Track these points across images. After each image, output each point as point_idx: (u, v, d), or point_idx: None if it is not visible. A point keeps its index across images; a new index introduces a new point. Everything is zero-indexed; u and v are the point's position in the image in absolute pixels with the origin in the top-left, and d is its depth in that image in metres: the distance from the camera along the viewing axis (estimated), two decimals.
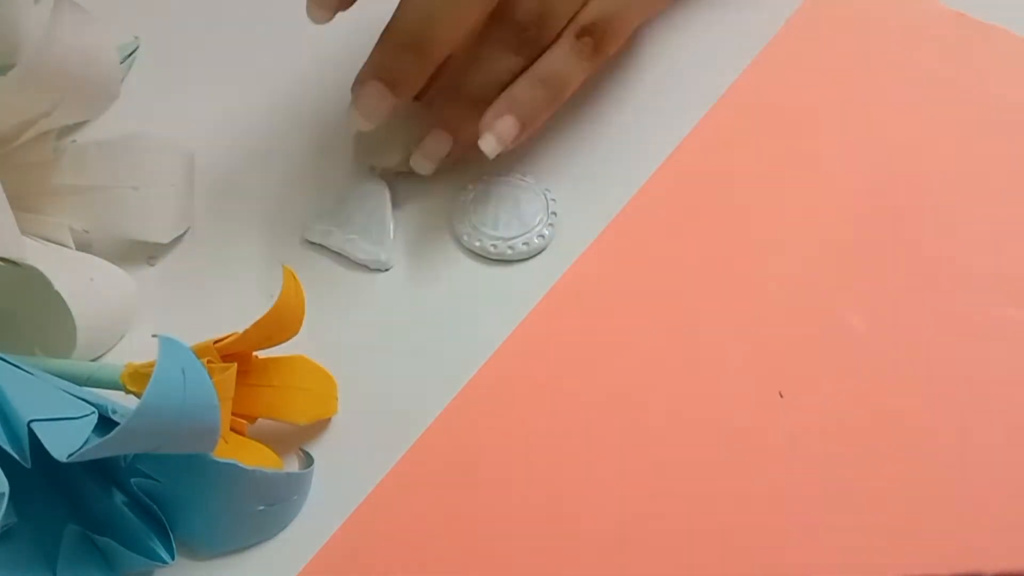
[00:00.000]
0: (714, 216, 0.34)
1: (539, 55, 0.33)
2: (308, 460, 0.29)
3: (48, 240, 0.31)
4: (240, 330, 0.27)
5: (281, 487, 0.27)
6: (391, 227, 0.34)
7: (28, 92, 0.27)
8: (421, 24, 0.31)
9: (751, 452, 0.29)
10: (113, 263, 0.32)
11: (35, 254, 0.29)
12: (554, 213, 0.34)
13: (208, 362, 0.26)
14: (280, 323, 0.28)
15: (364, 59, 0.32)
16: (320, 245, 0.34)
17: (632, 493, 0.28)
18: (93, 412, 0.24)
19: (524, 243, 0.33)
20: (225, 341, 0.27)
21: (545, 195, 0.35)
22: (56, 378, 0.26)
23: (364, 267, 0.33)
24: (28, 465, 0.23)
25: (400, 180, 0.35)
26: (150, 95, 0.38)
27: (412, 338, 0.32)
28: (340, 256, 0.34)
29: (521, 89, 0.32)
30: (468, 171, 0.35)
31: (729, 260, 0.33)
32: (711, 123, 0.37)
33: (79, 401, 0.24)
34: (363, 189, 0.35)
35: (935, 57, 0.39)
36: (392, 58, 0.31)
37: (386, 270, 0.33)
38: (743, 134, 0.37)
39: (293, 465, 0.29)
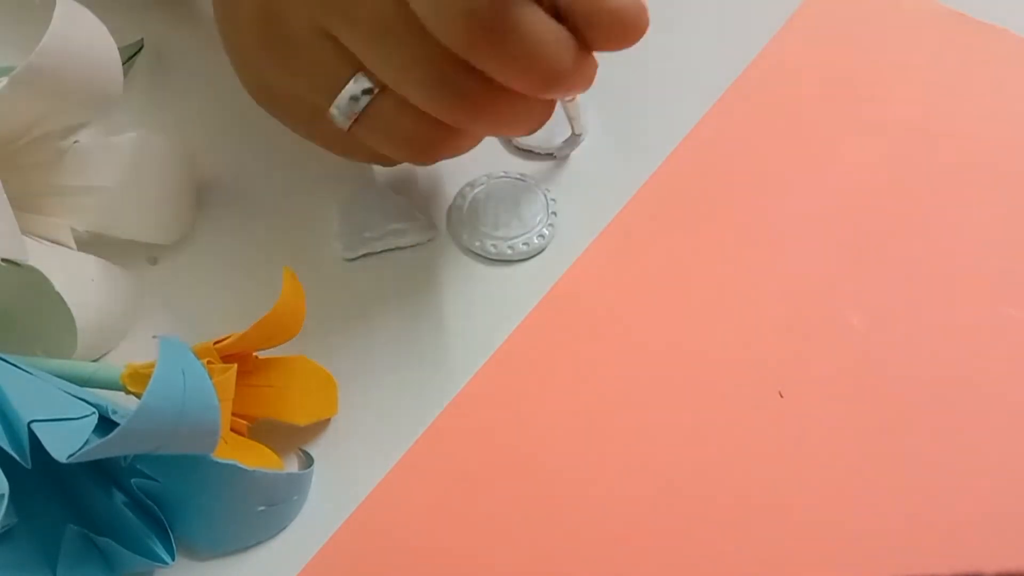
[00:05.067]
0: (714, 216, 0.34)
1: None
2: (308, 460, 0.29)
3: (49, 240, 0.31)
4: (240, 330, 0.27)
5: (281, 487, 0.27)
6: (404, 203, 0.34)
7: (30, 93, 0.27)
8: None
9: (751, 452, 0.29)
10: (114, 263, 0.32)
11: (36, 254, 0.29)
12: (554, 213, 0.34)
13: (208, 363, 0.26)
14: (280, 323, 0.28)
15: None
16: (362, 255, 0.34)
17: (632, 493, 0.28)
18: (93, 413, 0.24)
19: (524, 243, 0.33)
20: (225, 342, 0.27)
21: (545, 195, 0.35)
22: (56, 378, 0.26)
23: (366, 263, 0.34)
24: (28, 465, 0.23)
25: (401, 182, 0.35)
26: (152, 96, 0.38)
27: (412, 338, 0.32)
28: (339, 255, 0.34)
29: None
30: (468, 171, 0.35)
31: (729, 260, 0.33)
32: (711, 123, 0.37)
33: (79, 402, 0.24)
34: (360, 185, 0.35)
35: (935, 57, 0.39)
36: None
37: (432, 238, 0.34)
38: (743, 134, 0.37)
39: (293, 465, 0.29)
